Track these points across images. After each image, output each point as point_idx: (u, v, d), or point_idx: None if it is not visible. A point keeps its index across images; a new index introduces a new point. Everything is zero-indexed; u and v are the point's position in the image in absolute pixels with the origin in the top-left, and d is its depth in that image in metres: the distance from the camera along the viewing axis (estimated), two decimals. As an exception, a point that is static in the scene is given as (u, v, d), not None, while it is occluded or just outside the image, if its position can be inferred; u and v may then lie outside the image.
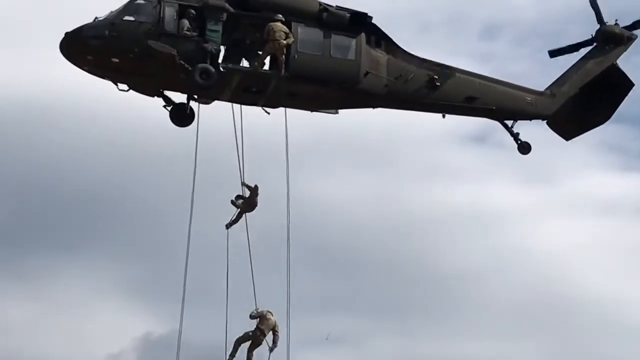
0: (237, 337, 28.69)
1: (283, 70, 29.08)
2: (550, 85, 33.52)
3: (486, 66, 67.02)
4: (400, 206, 60.78)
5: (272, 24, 28.88)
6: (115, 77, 29.83)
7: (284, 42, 28.80)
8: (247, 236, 29.66)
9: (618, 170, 77.22)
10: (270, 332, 28.54)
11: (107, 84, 29.91)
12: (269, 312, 28.80)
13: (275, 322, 28.66)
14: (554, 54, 34.38)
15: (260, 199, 30.47)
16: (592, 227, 70.32)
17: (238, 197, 30.46)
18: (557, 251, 65.85)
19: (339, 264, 57.97)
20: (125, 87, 30.14)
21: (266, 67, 30.00)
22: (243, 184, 30.61)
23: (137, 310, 59.86)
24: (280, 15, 29.08)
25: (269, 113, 31.00)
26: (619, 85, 33.68)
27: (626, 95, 33.66)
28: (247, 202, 30.40)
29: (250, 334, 28.61)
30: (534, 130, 33.48)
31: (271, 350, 28.75)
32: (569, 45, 34.39)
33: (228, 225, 30.58)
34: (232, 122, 30.84)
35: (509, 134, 32.94)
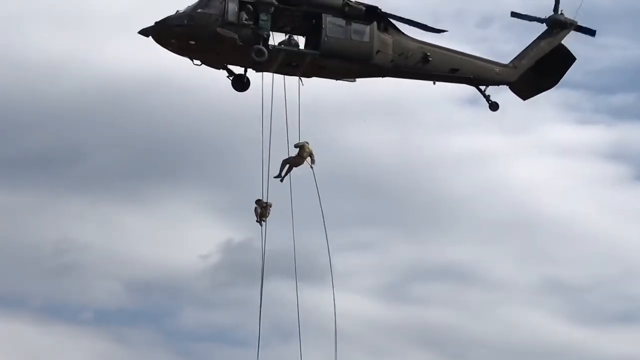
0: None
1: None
2: (513, 59, 39.40)
3: (482, 47, 78.77)
4: (412, 149, 74.75)
5: (306, 145, 35.51)
6: (191, 55, 34.97)
7: (305, 158, 35.57)
8: (313, 172, 35.04)
9: (575, 123, 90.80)
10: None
11: (186, 60, 34.93)
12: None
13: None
14: (515, 15, 39.95)
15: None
16: (554, 165, 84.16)
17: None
18: (528, 182, 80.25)
19: (366, 190, 71.45)
20: (198, 62, 35.24)
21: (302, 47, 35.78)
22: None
23: (221, 223, 73.06)
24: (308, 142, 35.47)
25: (303, 84, 36.33)
26: (564, 59, 39.50)
27: (569, 67, 39.51)
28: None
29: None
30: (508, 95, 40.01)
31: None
32: (528, 16, 39.98)
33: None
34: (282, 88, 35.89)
35: (483, 97, 38.81)
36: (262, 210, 36.22)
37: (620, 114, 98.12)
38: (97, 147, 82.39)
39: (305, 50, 36.17)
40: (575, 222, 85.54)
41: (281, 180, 35.64)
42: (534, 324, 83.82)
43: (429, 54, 37.51)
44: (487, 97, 39.31)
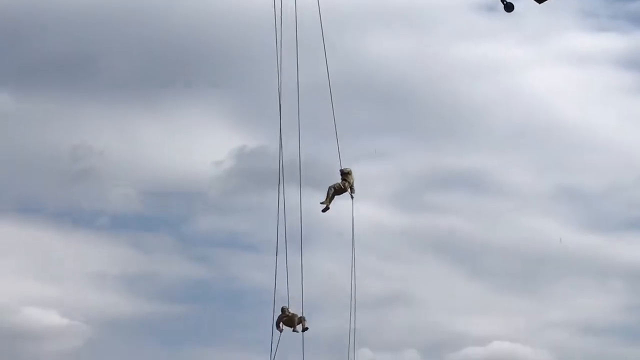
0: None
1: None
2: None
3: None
4: (430, 57, 74.26)
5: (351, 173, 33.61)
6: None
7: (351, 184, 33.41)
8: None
9: (591, 30, 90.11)
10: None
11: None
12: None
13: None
14: None
15: None
16: (571, 74, 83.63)
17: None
18: (544, 91, 79.79)
19: (383, 99, 71.33)
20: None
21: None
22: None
23: (235, 129, 73.79)
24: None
25: None
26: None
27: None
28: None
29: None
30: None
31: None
32: None
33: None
34: None
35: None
36: (286, 319, 34.19)
37: (638, 21, 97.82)
38: (112, 53, 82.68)
39: None
40: (591, 130, 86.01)
41: (326, 209, 33.85)
42: (548, 232, 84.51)
43: None
44: (502, -1, 39.75)
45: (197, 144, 78.83)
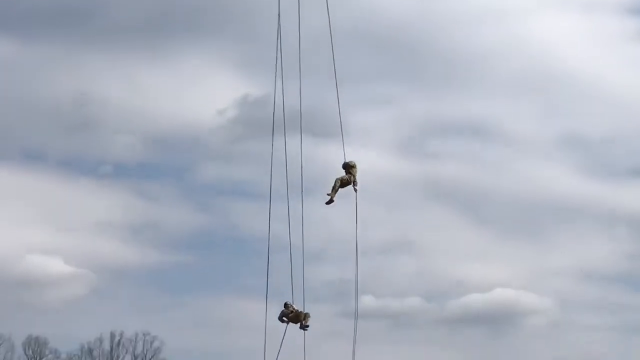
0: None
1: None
2: None
3: None
4: (433, 4, 74.00)
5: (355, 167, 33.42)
6: None
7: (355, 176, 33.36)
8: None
9: None
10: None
11: None
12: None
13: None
14: None
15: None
16: (577, 21, 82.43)
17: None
18: (548, 37, 79.32)
19: (385, 46, 71.35)
20: None
21: None
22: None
23: (239, 78, 74.39)
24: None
25: None
26: None
27: None
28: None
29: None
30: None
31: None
32: None
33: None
34: None
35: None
36: (292, 315, 34.00)
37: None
38: (116, 1, 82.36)
39: None
40: (595, 78, 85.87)
41: (330, 201, 33.62)
42: (551, 179, 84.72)
43: None
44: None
45: (200, 92, 79.40)
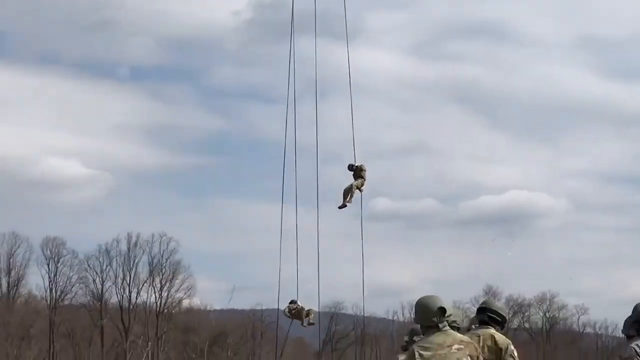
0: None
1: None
2: None
3: None
4: None
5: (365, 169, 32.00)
6: None
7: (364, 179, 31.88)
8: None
9: None
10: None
11: None
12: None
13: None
14: None
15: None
16: None
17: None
18: None
19: None
20: None
21: None
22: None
23: None
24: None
25: None
26: None
27: None
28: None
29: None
30: None
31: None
32: None
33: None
34: None
35: None
36: (295, 311, 33.92)
37: None
38: None
39: None
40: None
41: (343, 205, 32.29)
42: (568, 81, 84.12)
43: None
44: None
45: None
